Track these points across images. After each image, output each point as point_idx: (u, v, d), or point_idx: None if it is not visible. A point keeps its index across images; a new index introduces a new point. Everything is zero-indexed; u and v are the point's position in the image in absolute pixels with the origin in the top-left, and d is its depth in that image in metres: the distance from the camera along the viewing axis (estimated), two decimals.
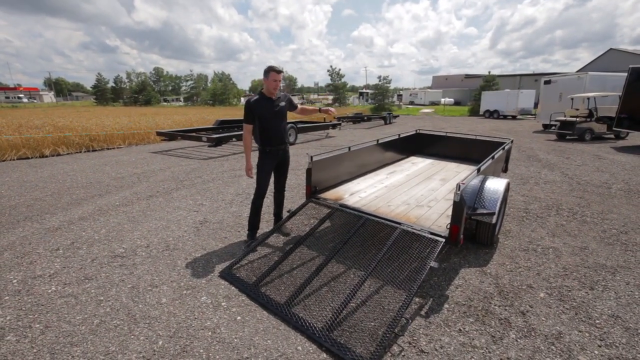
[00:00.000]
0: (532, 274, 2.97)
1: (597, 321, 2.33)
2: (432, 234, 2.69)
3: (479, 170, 3.07)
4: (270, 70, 3.15)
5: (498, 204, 3.06)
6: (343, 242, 2.88)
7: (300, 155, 8.87)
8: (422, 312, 2.43)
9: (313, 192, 3.60)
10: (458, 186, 2.50)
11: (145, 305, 2.45)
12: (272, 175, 3.53)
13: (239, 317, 2.34)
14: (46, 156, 9.06)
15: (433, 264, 2.40)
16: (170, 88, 76.51)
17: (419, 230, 2.76)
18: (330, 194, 3.69)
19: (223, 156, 8.87)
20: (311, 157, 3.47)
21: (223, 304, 2.48)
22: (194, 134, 9.75)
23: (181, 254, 3.27)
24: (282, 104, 3.33)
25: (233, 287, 2.69)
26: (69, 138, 10.10)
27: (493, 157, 3.63)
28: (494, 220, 3.07)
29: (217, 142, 8.78)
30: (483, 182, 3.25)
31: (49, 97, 76.10)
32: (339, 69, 41.78)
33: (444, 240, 2.60)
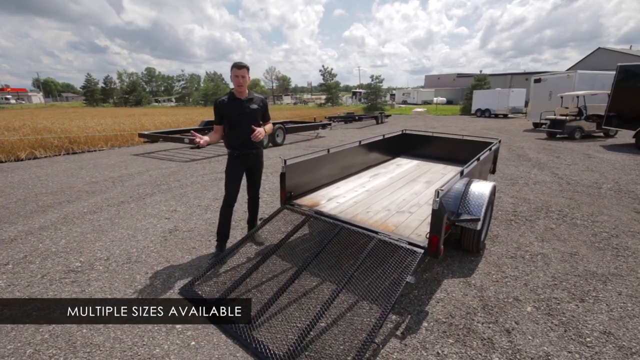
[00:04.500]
0: (519, 285, 2.78)
1: (588, 339, 2.13)
2: (410, 244, 2.47)
3: (462, 173, 2.86)
4: (233, 67, 2.92)
5: (483, 209, 2.86)
6: (315, 254, 2.64)
7: (287, 156, 8.60)
8: (398, 332, 2.21)
9: (288, 197, 3.37)
10: (437, 193, 2.28)
11: (89, 330, 2.19)
12: (245, 181, 3.30)
13: (192, 343, 2.09)
14: (22, 159, 8.68)
15: (409, 279, 2.18)
16: (162, 88, 75.71)
17: (396, 240, 2.53)
18: (306, 200, 3.46)
19: (206, 158, 8.59)
20: (285, 161, 3.24)
21: (177, 326, 2.23)
22: (177, 135, 9.45)
23: (142, 268, 3.00)
24: (254, 106, 3.07)
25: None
26: (47, 140, 9.71)
27: (478, 159, 3.44)
28: (479, 227, 2.87)
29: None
30: (467, 185, 3.04)
31: (37, 98, 74.74)
32: (331, 69, 41.69)
33: (422, 251, 2.38)
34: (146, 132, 10.00)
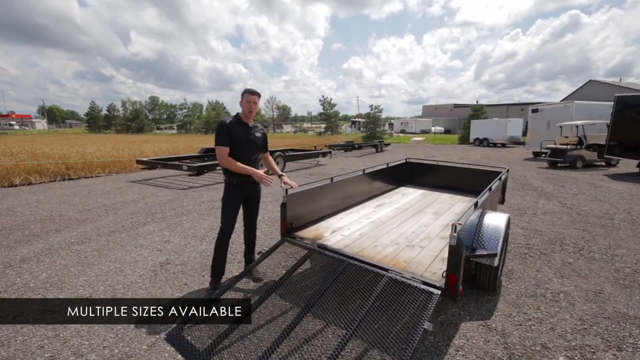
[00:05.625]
0: (545, 329, 2.50)
1: None
2: (425, 283, 2.23)
3: (476, 205, 2.67)
4: (245, 92, 2.85)
5: (500, 244, 2.64)
6: (320, 293, 2.39)
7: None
8: None
9: (289, 229, 3.15)
10: (454, 227, 2.08)
11: None
12: (242, 211, 3.11)
13: None
14: (16, 185, 8.48)
15: (427, 325, 1.92)
16: (165, 116, 77.19)
17: (409, 280, 2.29)
18: (308, 232, 3.24)
19: (205, 185, 8.40)
20: (286, 191, 3.05)
21: None
22: (175, 162, 9.33)
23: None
24: (258, 134, 3.03)
25: (180, 356, 2.15)
26: (44, 166, 9.56)
27: (490, 189, 3.26)
28: (496, 263, 2.64)
29: (199, 171, 8.35)
30: (481, 217, 2.84)
31: (41, 124, 75.98)
32: (331, 99, 42.76)
33: (439, 292, 2.13)
34: (144, 159, 9.89)
